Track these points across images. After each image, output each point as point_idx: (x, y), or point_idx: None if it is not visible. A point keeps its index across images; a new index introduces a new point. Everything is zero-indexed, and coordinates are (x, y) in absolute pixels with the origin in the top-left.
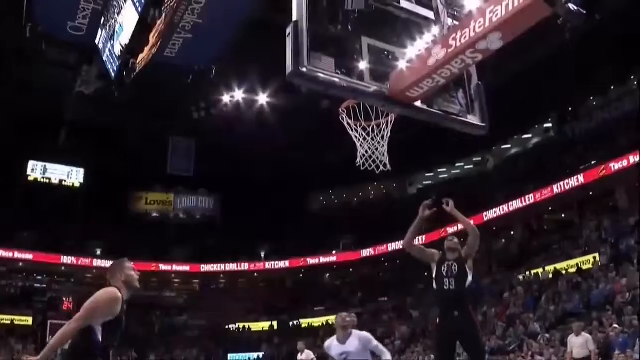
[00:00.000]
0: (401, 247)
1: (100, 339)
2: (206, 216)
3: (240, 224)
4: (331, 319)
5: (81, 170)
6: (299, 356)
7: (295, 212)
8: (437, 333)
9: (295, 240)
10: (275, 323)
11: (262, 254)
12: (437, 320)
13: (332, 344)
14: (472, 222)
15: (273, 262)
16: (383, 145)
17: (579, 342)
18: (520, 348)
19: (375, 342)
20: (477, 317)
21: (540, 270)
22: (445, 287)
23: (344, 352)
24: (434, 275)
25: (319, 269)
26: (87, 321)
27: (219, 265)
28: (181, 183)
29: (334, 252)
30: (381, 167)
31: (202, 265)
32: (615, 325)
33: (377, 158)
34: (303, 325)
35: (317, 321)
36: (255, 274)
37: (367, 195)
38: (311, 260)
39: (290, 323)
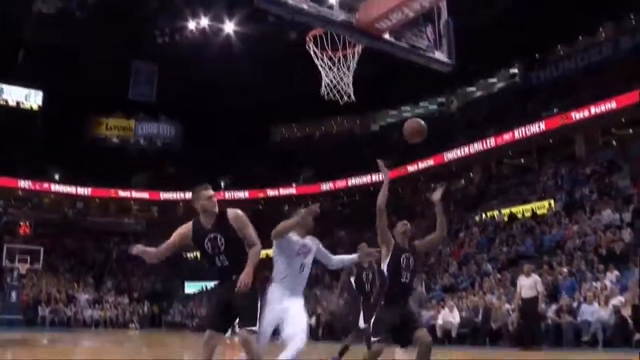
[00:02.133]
0: (361, 182)
1: None
2: (167, 143)
3: (200, 153)
4: None
5: (40, 93)
6: None
7: (257, 144)
8: (384, 319)
9: (255, 171)
10: None
11: (222, 184)
12: (380, 310)
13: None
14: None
15: (233, 193)
16: (348, 76)
17: (528, 283)
18: (472, 286)
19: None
20: None
21: (496, 213)
22: (402, 280)
23: (305, 244)
24: (387, 264)
25: (278, 200)
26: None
27: (178, 193)
28: (142, 109)
29: (294, 184)
30: (345, 98)
31: (162, 193)
32: (564, 269)
33: (342, 88)
34: (261, 256)
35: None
36: None
37: (329, 130)
38: (271, 192)
39: None
